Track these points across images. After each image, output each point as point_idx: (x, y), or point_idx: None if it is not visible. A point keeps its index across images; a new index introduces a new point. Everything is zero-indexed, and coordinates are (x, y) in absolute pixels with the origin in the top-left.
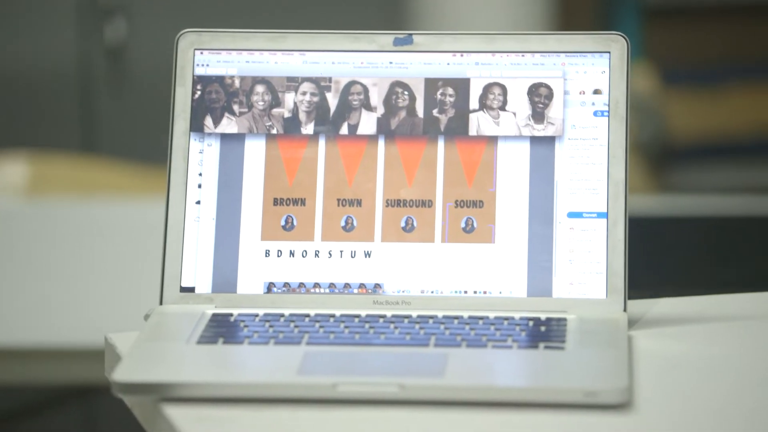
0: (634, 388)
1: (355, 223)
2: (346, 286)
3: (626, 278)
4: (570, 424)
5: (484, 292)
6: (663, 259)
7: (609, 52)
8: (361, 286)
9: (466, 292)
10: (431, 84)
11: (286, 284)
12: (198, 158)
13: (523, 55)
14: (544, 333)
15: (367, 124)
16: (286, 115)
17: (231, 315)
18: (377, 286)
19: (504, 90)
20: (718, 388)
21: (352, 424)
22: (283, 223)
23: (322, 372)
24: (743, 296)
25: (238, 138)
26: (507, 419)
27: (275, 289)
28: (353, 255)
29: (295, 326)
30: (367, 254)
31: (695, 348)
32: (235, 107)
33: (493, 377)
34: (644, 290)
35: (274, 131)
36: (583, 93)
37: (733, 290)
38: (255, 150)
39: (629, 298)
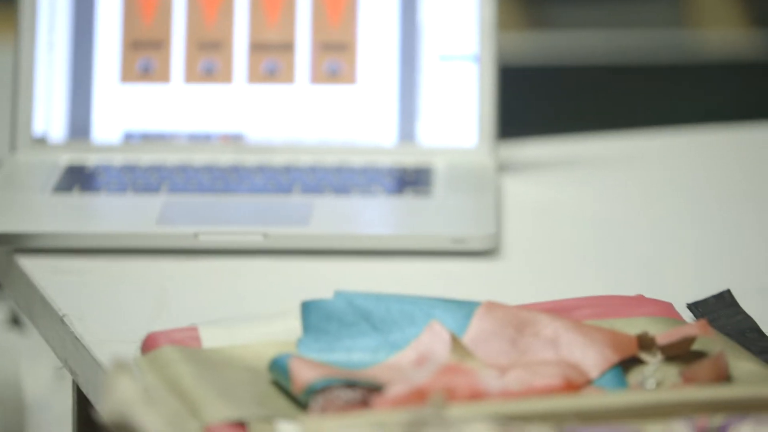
0: (503, 234)
1: (215, 67)
2: (208, 134)
3: (496, 124)
4: (437, 271)
5: (350, 139)
6: (536, 104)
7: None
8: (223, 134)
9: (331, 138)
10: None
11: (144, 132)
12: None
13: None
14: (411, 180)
15: None
16: None
17: (87, 163)
18: (239, 133)
19: None
20: (585, 234)
21: (215, 274)
22: (140, 66)
23: (182, 221)
24: (615, 137)
25: None
26: (373, 267)
27: (133, 138)
28: (214, 100)
29: (154, 175)
30: (229, 99)
31: (565, 193)
32: None
33: (359, 225)
34: (515, 137)
35: None
36: None
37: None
38: None
39: (500, 145)
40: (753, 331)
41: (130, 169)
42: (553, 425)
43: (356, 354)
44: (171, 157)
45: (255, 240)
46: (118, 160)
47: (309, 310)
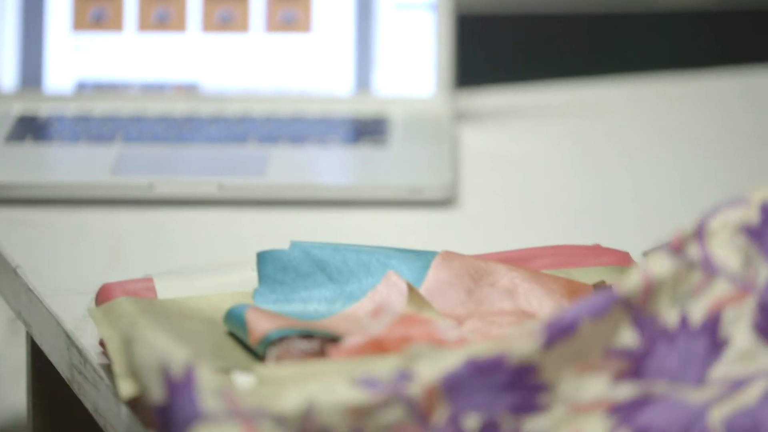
0: (460, 184)
1: (169, 16)
2: (161, 83)
3: (453, 73)
4: (394, 221)
5: (306, 88)
6: (494, 53)
7: None
8: (177, 84)
9: (286, 87)
10: None
11: (97, 82)
12: None
13: None
14: (367, 129)
15: None
16: None
17: (39, 113)
18: (194, 83)
19: None
20: (543, 183)
21: (170, 224)
22: (93, 15)
23: (137, 171)
24: (574, 86)
25: None
26: (329, 217)
27: (86, 88)
28: (168, 49)
29: (108, 125)
30: (183, 49)
31: (523, 142)
32: None
33: (315, 175)
34: (473, 86)
35: None
36: None
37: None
38: None
39: (457, 94)
40: None
41: (83, 119)
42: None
43: (312, 305)
44: (125, 107)
45: (210, 190)
46: (71, 109)
47: (265, 260)
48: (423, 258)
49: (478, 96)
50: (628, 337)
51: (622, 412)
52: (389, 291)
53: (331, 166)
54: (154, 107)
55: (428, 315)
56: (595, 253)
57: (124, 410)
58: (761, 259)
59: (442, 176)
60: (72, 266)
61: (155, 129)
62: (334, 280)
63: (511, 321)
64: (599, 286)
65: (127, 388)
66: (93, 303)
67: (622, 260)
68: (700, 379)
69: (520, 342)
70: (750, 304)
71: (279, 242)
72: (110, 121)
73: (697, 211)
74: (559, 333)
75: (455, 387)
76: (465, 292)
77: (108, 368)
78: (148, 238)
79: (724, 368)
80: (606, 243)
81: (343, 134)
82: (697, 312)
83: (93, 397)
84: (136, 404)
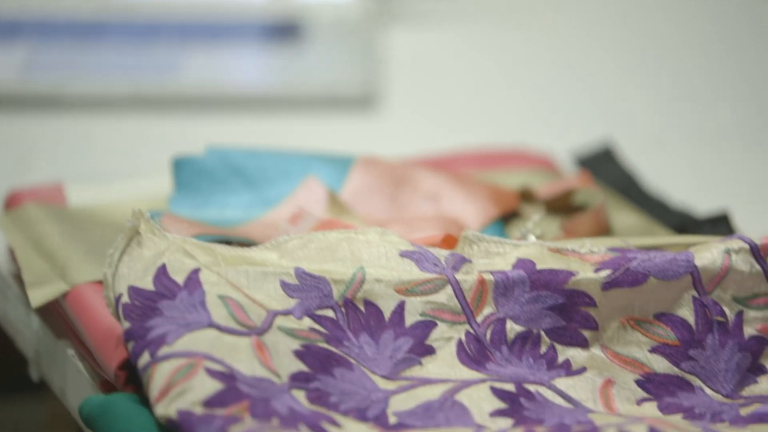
0: (382, 86)
1: None
2: None
3: None
4: (314, 125)
5: None
6: None
7: None
8: None
9: None
10: None
11: None
12: None
13: None
14: (286, 30)
15: None
16: None
17: None
18: None
19: None
20: (466, 85)
21: (82, 129)
22: None
23: (46, 73)
24: None
25: None
26: (247, 122)
27: None
28: None
29: (16, 26)
30: None
31: (446, 44)
32: None
33: (231, 76)
34: None
35: None
36: None
37: None
38: None
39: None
40: (634, 183)
41: None
42: None
43: (229, 211)
44: (33, 6)
45: (123, 92)
46: None
47: (180, 166)
48: (343, 162)
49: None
50: (684, 312)
51: (654, 383)
52: (309, 196)
53: (248, 66)
54: (64, 6)
55: (349, 221)
56: (518, 156)
57: (35, 319)
58: None
59: (363, 76)
60: None
61: (65, 30)
62: (251, 185)
63: (435, 226)
64: (524, 190)
65: (36, 296)
66: (1, 209)
67: (546, 163)
68: (732, 390)
69: (583, 268)
70: None
71: (194, 148)
72: (18, 21)
73: (625, 114)
74: (625, 279)
75: (506, 289)
76: (387, 197)
77: (18, 277)
78: (58, 143)
79: (755, 387)
80: (530, 145)
81: (260, 34)
82: (750, 325)
83: (1, 306)
84: (46, 313)
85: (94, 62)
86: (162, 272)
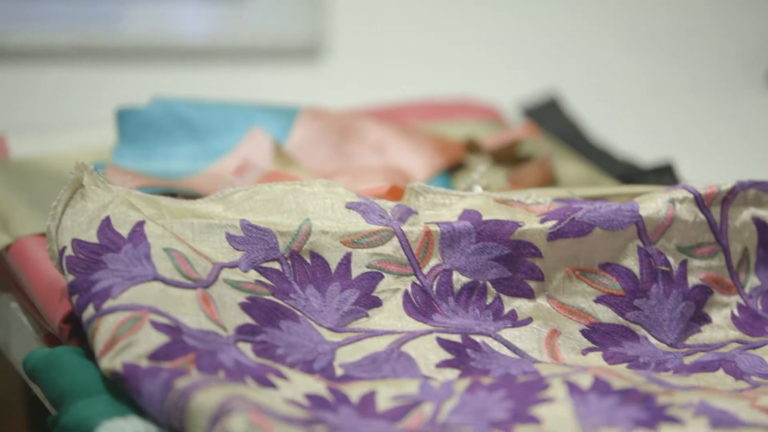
0: (327, 36)
1: None
2: None
3: None
4: (259, 75)
5: None
6: None
7: None
8: None
9: None
10: None
11: None
12: None
13: None
14: None
15: None
16: None
17: None
18: None
19: None
20: (413, 34)
21: (26, 77)
22: None
23: None
24: None
25: None
26: (191, 72)
27: None
28: None
29: None
30: None
31: None
32: None
33: (175, 26)
34: None
35: None
36: None
37: None
38: None
39: None
40: (580, 133)
41: None
42: None
43: (175, 162)
44: None
45: (67, 42)
46: None
47: (124, 118)
48: (289, 114)
49: None
50: (629, 262)
51: (599, 333)
52: (254, 147)
53: (192, 18)
54: None
55: (295, 172)
56: (464, 106)
57: None
58: (762, 263)
59: (307, 25)
60: None
61: None
62: (196, 137)
63: (380, 177)
64: (470, 141)
65: None
66: None
67: (491, 114)
68: (677, 339)
69: (529, 219)
70: (735, 299)
71: (139, 99)
72: None
73: (570, 63)
74: (571, 229)
75: (452, 240)
76: (332, 148)
77: None
78: (0, 94)
79: (698, 336)
80: (477, 95)
81: None
82: (694, 274)
83: None
84: None
85: (37, 12)
86: (106, 225)
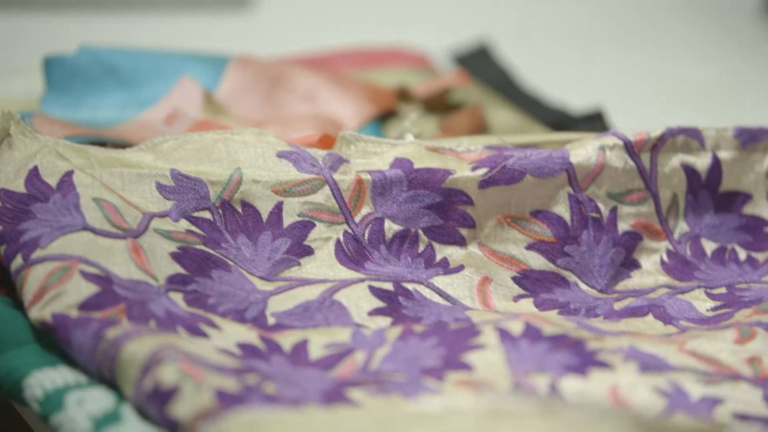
0: None
1: None
2: None
3: None
4: (188, 23)
5: None
6: None
7: None
8: None
9: None
10: None
11: None
12: None
13: None
14: None
15: None
16: None
17: None
18: None
19: None
20: None
21: None
22: None
23: None
24: None
25: None
26: (119, 19)
27: None
28: None
29: None
30: None
31: None
32: None
33: None
34: None
35: None
36: None
37: None
38: None
39: None
40: (511, 81)
41: None
42: None
43: (103, 111)
44: None
45: None
46: None
47: (51, 66)
48: (218, 62)
49: None
50: (560, 209)
51: (530, 279)
52: (183, 96)
53: None
54: None
55: (225, 121)
56: (395, 54)
57: None
58: (690, 209)
59: None
60: None
61: None
62: (125, 85)
63: (311, 125)
64: (401, 89)
65: None
66: None
67: (421, 61)
68: (607, 285)
69: (460, 167)
70: (665, 245)
71: (66, 47)
72: None
73: (500, 8)
74: (502, 177)
75: (384, 189)
76: (263, 97)
77: None
78: None
79: (628, 281)
80: (407, 42)
81: None
82: (624, 220)
83: None
84: None
85: None
86: (34, 174)
